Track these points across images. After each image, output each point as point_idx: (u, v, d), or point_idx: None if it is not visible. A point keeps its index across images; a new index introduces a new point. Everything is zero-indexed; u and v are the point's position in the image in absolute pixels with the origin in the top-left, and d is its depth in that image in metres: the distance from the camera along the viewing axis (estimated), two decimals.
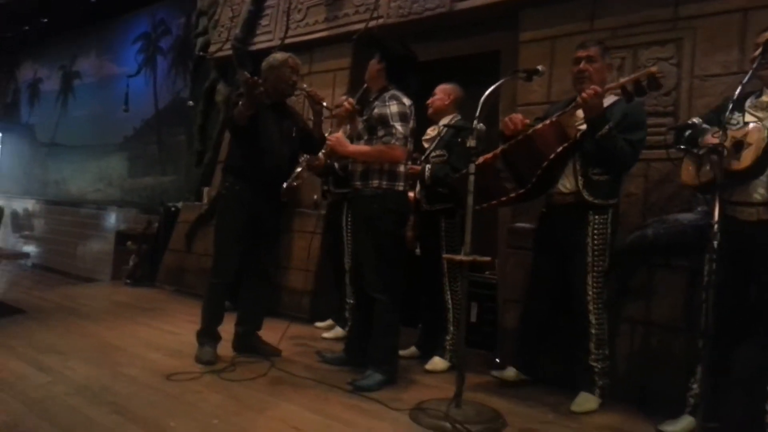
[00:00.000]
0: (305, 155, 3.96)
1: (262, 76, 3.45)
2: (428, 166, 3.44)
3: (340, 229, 4.10)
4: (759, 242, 2.39)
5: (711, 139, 2.37)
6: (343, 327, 4.11)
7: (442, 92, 3.61)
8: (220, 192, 3.60)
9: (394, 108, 3.05)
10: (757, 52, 2.44)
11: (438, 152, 3.50)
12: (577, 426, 2.70)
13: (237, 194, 3.40)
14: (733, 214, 2.43)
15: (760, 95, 2.49)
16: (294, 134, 3.51)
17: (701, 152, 2.38)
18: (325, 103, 3.54)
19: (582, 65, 2.91)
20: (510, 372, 3.19)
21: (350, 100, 3.40)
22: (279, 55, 3.54)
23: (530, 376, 3.19)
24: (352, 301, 3.98)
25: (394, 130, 3.02)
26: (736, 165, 2.32)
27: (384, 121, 3.05)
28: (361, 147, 3.17)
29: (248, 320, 3.56)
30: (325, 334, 4.19)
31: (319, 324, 4.47)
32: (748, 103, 2.50)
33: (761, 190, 2.37)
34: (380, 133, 3.06)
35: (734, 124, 2.44)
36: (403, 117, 3.06)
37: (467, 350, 3.02)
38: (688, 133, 2.55)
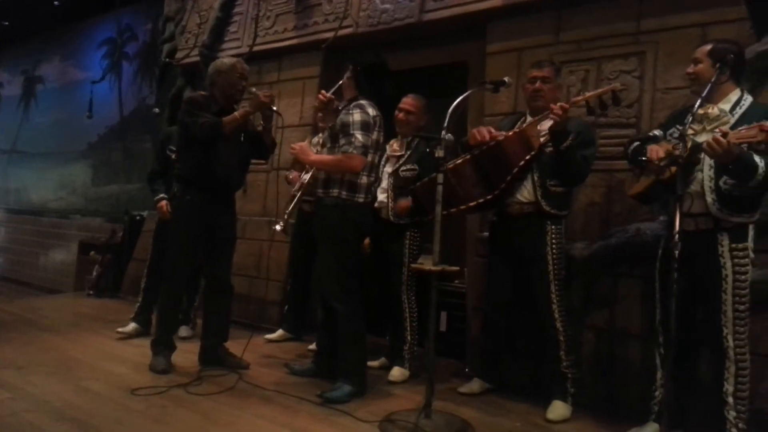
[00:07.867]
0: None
1: (209, 81, 3.41)
2: (391, 204, 3.46)
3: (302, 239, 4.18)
4: (698, 250, 2.45)
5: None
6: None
7: (417, 109, 3.54)
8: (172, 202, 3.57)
9: (356, 116, 3.01)
10: (695, 68, 2.55)
11: (409, 166, 3.47)
12: None
13: (187, 204, 3.37)
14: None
15: (697, 109, 2.52)
16: (242, 139, 3.46)
17: (662, 163, 2.45)
18: (275, 108, 3.44)
19: (537, 85, 3.08)
20: (475, 384, 3.25)
21: (323, 92, 3.29)
22: (227, 60, 3.49)
23: (494, 385, 3.25)
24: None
25: (353, 139, 2.98)
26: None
27: (345, 129, 3.02)
28: (322, 156, 3.17)
29: (213, 332, 3.50)
30: (268, 336, 4.24)
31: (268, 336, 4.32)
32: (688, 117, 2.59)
33: (696, 201, 2.45)
34: (341, 141, 3.03)
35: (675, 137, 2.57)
36: (365, 126, 3.01)
37: (436, 359, 3.03)
38: (632, 148, 2.70)
